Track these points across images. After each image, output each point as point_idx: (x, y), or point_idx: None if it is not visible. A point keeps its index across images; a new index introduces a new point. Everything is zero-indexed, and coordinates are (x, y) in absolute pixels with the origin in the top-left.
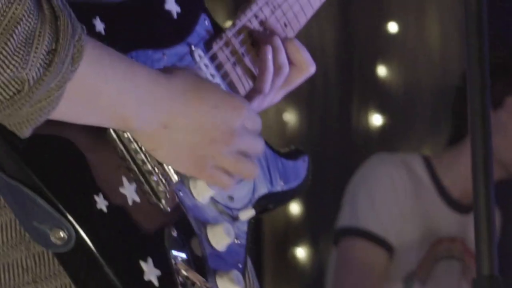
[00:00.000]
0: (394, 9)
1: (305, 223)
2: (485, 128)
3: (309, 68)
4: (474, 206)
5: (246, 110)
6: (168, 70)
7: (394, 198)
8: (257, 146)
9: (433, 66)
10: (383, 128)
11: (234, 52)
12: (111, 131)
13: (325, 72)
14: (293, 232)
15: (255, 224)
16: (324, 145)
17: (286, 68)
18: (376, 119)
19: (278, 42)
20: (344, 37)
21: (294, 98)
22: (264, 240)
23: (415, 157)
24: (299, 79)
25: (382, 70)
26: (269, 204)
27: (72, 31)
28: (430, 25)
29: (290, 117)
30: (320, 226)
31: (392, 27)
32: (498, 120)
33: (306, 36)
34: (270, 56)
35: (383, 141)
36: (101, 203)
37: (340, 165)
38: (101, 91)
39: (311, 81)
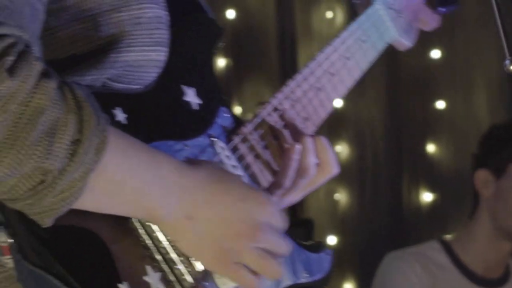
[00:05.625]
0: (442, 87)
1: None
2: None
3: (333, 170)
4: None
5: (271, 207)
6: (192, 162)
7: None
8: (283, 245)
9: None
10: (433, 205)
11: (254, 146)
12: (134, 220)
13: (375, 152)
14: None
15: None
16: (376, 224)
17: (312, 171)
18: (427, 196)
19: (308, 143)
20: (392, 117)
21: (345, 178)
22: None
23: (432, 244)
24: (321, 180)
25: (431, 148)
26: None
27: (96, 121)
28: (478, 101)
29: (341, 196)
30: None
31: (440, 104)
32: (501, 187)
33: (355, 116)
34: (297, 157)
35: (434, 218)
36: None
37: (392, 242)
38: (126, 182)
39: (361, 160)
